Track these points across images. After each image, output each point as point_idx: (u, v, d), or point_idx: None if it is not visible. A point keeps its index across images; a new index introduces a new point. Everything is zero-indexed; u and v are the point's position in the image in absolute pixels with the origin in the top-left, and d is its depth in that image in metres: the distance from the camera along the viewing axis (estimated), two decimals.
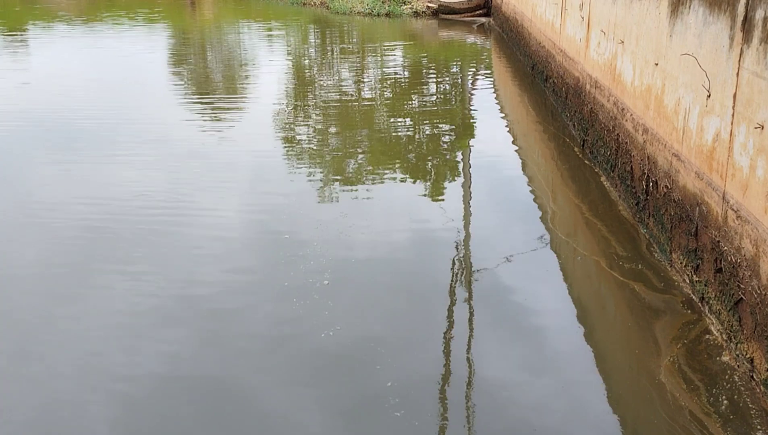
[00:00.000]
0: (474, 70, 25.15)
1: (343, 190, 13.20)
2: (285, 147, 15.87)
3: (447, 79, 23.64)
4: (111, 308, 9.16)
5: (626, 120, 12.17)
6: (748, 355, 7.57)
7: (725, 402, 7.30)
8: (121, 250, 10.68)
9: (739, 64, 7.97)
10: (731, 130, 8.15)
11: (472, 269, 10.27)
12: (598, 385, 7.69)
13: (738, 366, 7.74)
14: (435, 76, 23.99)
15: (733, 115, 8.11)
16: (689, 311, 8.86)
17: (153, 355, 8.19)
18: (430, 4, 34.30)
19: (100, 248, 10.81)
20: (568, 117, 16.55)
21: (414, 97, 20.84)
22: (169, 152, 15.23)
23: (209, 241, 10.98)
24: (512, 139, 16.70)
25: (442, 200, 12.83)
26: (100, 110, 18.42)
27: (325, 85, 22.49)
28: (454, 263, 10.43)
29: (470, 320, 9.00)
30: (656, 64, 10.76)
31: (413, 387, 7.56)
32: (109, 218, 11.81)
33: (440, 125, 17.85)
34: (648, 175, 10.93)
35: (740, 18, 7.96)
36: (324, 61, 26.49)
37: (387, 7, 34.94)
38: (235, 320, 8.88)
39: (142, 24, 33.60)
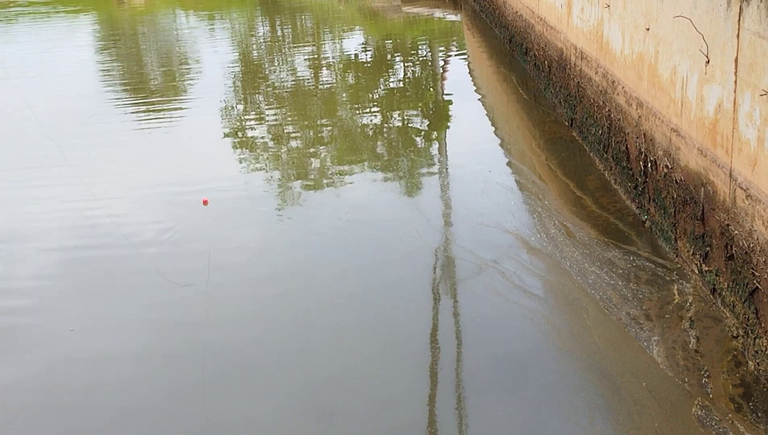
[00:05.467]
0: (445, 48, 25.19)
1: (308, 191, 13.21)
2: (239, 146, 15.81)
3: (415, 61, 23.64)
4: None
5: (617, 93, 12.22)
6: (767, 351, 7.62)
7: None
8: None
9: (738, 25, 8.01)
10: (734, 99, 8.19)
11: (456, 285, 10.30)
12: None
13: (758, 363, 7.78)
14: (401, 58, 23.98)
15: (735, 82, 8.15)
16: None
17: None
18: None
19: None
20: (553, 94, 16.61)
21: (380, 84, 20.81)
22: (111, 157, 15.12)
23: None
24: (492, 125, 16.73)
25: (418, 197, 12.82)
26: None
27: (279, 77, 22.39)
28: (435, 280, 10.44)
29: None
30: (647, 29, 10.81)
31: None
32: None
33: (410, 114, 17.84)
34: (645, 155, 10.97)
35: None
36: (276, 51, 26.38)
37: None
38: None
39: (62, 19, 33.23)
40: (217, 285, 10.29)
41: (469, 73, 21.53)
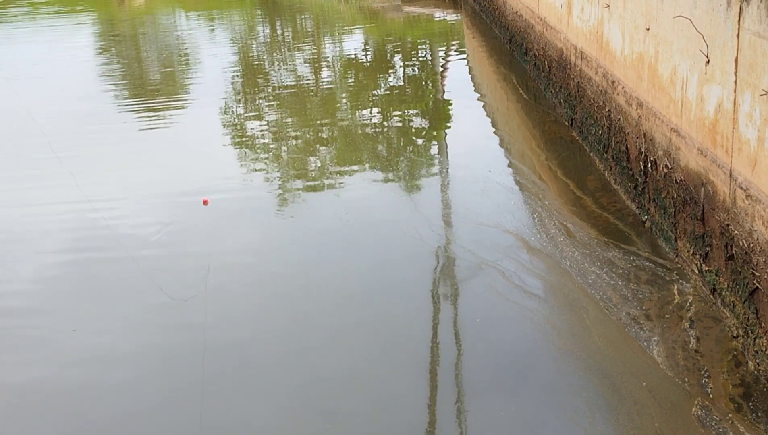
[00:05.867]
0: (445, 48, 25.18)
1: (308, 191, 13.22)
2: (239, 146, 15.81)
3: (415, 61, 23.64)
4: None
5: (617, 94, 12.22)
6: (767, 351, 7.62)
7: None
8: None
9: (738, 25, 8.01)
10: (734, 99, 8.18)
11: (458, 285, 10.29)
12: None
13: (758, 363, 7.78)
14: (401, 58, 23.98)
15: (735, 82, 8.15)
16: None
17: None
18: None
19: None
20: (553, 94, 16.60)
21: (380, 84, 20.81)
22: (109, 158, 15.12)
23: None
24: (492, 125, 16.73)
25: (418, 197, 12.82)
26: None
27: (279, 77, 22.38)
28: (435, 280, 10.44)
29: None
30: (647, 29, 10.81)
31: None
32: None
33: (410, 114, 17.84)
34: (645, 155, 10.97)
35: None
36: (276, 51, 26.37)
37: None
38: None
39: (63, 20, 33.24)
40: (217, 285, 10.28)
41: (469, 73, 21.52)
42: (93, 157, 15.40)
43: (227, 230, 11.87)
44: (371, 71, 22.34)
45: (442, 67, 22.90)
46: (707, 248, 8.99)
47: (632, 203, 11.61)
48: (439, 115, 17.94)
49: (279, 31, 29.75)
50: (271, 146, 16.02)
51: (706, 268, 9.02)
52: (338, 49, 25.81)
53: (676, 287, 9.42)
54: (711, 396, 7.56)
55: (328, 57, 24.55)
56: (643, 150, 11.06)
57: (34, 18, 33.84)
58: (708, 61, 8.77)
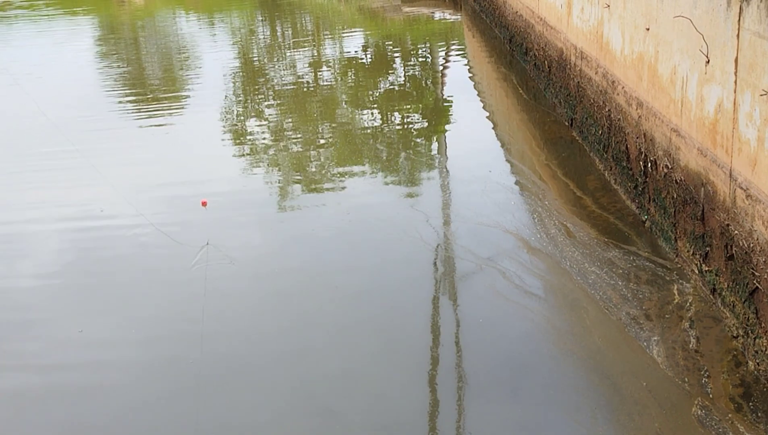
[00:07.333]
0: (445, 48, 25.19)
1: (309, 191, 13.23)
2: (240, 147, 15.82)
3: (415, 61, 23.64)
4: None
5: (617, 94, 12.21)
6: (767, 351, 7.61)
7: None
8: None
9: (738, 25, 8.00)
10: (734, 99, 8.18)
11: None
12: None
13: (758, 363, 7.78)
14: (401, 58, 23.98)
15: (735, 82, 8.14)
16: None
17: None
18: None
19: None
20: (553, 94, 16.60)
21: (380, 84, 20.81)
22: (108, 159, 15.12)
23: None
24: (492, 125, 16.73)
25: (419, 197, 12.83)
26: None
27: (279, 77, 22.39)
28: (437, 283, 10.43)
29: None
30: (647, 29, 10.80)
31: None
32: None
33: (410, 114, 17.84)
34: (645, 155, 10.96)
35: None
36: (276, 51, 26.38)
37: None
38: None
39: (63, 20, 33.24)
40: (218, 285, 10.28)
41: (469, 72, 21.52)
42: (93, 157, 15.39)
43: (227, 230, 11.85)
44: (371, 71, 22.34)
45: (442, 67, 22.89)
46: (707, 248, 8.98)
47: (632, 203, 11.60)
48: (439, 115, 17.94)
49: (279, 31, 29.75)
50: (271, 146, 16.01)
51: (706, 268, 9.02)
52: (338, 49, 25.80)
53: (676, 287, 9.42)
54: (711, 396, 7.55)
55: (328, 57, 24.55)
56: (643, 150, 11.06)
57: (35, 19, 33.82)
58: (708, 61, 8.77)
